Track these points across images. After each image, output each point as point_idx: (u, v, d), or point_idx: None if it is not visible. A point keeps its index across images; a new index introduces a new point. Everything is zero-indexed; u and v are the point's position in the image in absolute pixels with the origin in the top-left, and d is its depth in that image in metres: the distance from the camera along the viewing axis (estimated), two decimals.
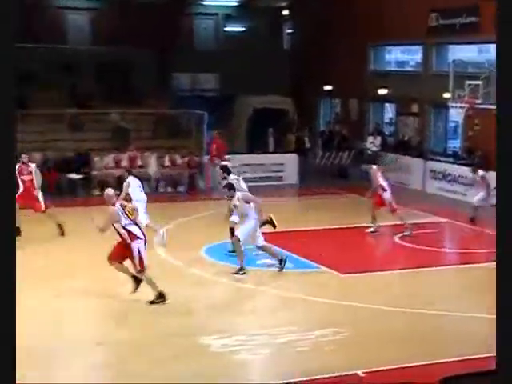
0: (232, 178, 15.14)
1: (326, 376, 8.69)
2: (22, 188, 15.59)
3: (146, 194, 16.03)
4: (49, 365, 9.29)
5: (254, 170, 24.78)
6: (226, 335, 10.21)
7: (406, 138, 26.91)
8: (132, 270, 11.61)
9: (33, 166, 16.13)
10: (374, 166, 17.53)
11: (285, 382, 8.43)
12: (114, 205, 11.59)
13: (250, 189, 23.37)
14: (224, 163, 18.11)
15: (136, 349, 9.72)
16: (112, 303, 11.71)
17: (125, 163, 22.91)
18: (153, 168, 23.05)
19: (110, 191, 11.95)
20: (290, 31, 33.88)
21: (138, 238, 11.47)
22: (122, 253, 11.55)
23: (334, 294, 12.23)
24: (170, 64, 28.92)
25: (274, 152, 26.97)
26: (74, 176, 22.13)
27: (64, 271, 13.22)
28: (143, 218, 15.03)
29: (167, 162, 23.61)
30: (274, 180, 24.77)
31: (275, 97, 28.63)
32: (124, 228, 11.41)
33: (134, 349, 9.74)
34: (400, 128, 27.69)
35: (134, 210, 11.80)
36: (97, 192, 21.36)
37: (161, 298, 11.50)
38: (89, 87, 26.57)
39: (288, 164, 25.27)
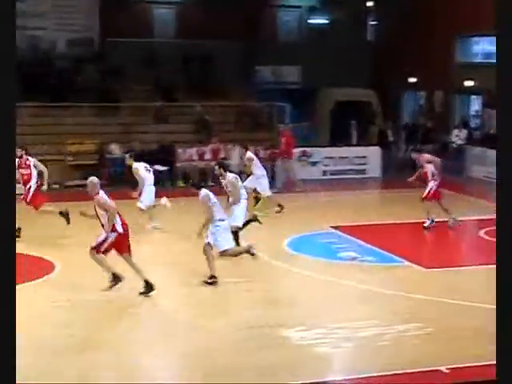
0: (230, 175, 13.78)
1: (409, 371, 8.63)
2: (22, 184, 15.03)
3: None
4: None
5: (337, 163, 24.74)
6: (306, 328, 10.21)
7: (492, 131, 26.30)
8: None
9: (32, 159, 15.49)
10: (426, 155, 17.16)
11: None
12: (98, 194, 11.06)
13: (332, 182, 23.42)
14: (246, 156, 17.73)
15: (218, 338, 9.86)
16: (194, 293, 11.90)
17: (208, 156, 23.24)
18: (236, 160, 23.23)
19: (94, 179, 11.22)
20: (373, 23, 33.55)
21: (116, 230, 11.00)
22: (124, 243, 11.24)
23: (417, 288, 12.08)
24: (253, 57, 29.09)
25: (357, 145, 26.85)
26: (159, 168, 22.50)
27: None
28: (149, 199, 15.45)
29: None
30: (357, 173, 24.65)
31: (358, 89, 28.47)
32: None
33: (216, 338, 9.87)
34: (486, 121, 27.09)
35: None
36: (181, 183, 22.10)
37: (115, 279, 11.09)
38: (174, 80, 26.98)
39: (371, 157, 25.08)
